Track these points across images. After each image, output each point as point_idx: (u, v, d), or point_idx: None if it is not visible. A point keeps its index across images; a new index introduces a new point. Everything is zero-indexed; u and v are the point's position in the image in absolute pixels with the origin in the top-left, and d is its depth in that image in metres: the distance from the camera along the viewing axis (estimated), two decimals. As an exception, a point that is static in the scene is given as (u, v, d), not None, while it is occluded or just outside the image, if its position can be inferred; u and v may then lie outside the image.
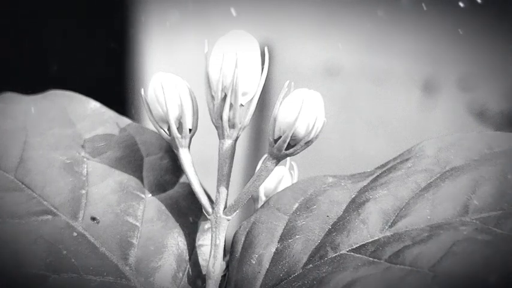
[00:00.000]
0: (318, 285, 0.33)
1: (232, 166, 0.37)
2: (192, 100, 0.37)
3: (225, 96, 0.36)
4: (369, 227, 0.35)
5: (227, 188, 0.37)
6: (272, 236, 0.37)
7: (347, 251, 0.34)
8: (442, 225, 0.33)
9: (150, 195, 0.39)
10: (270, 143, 0.36)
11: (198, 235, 0.39)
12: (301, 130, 0.36)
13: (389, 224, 0.35)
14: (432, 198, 0.35)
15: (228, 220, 0.37)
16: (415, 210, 0.35)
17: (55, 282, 0.34)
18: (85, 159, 0.40)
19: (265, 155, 0.37)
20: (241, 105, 0.37)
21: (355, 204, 0.36)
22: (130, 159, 0.40)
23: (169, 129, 0.37)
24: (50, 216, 0.37)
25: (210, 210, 0.37)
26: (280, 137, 0.36)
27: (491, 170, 0.35)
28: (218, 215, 0.37)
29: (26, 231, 0.36)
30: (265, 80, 0.37)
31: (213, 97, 0.37)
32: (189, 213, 0.39)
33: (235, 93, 0.36)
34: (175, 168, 0.40)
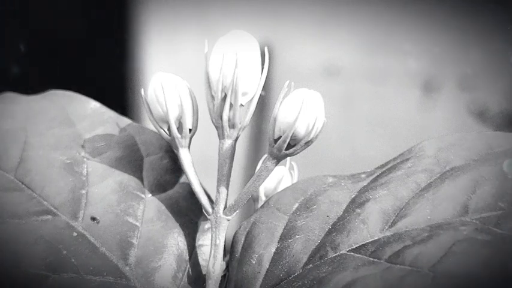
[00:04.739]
0: (318, 285, 0.33)
1: (232, 166, 0.37)
2: (192, 100, 0.37)
3: (225, 96, 0.36)
4: (369, 227, 0.35)
5: (227, 188, 0.37)
6: (272, 236, 0.37)
7: (347, 251, 0.34)
8: (442, 225, 0.33)
9: (150, 195, 0.39)
10: (270, 143, 0.36)
11: (198, 235, 0.39)
12: (301, 130, 0.36)
13: (389, 224, 0.35)
14: (432, 198, 0.35)
15: (228, 220, 0.37)
16: (415, 210, 0.35)
17: (55, 282, 0.34)
18: (85, 159, 0.40)
19: (265, 155, 0.37)
20: (241, 105, 0.37)
21: (355, 204, 0.36)
22: (130, 159, 0.40)
23: (169, 129, 0.37)
24: (50, 216, 0.37)
25: (210, 210, 0.37)
26: (280, 137, 0.36)
27: (491, 170, 0.35)
28: (218, 215, 0.37)
29: (26, 231, 0.36)
30: (265, 80, 0.37)
31: (213, 97, 0.37)
32: (189, 213, 0.39)
33: (235, 93, 0.36)
34: (175, 168, 0.40)
